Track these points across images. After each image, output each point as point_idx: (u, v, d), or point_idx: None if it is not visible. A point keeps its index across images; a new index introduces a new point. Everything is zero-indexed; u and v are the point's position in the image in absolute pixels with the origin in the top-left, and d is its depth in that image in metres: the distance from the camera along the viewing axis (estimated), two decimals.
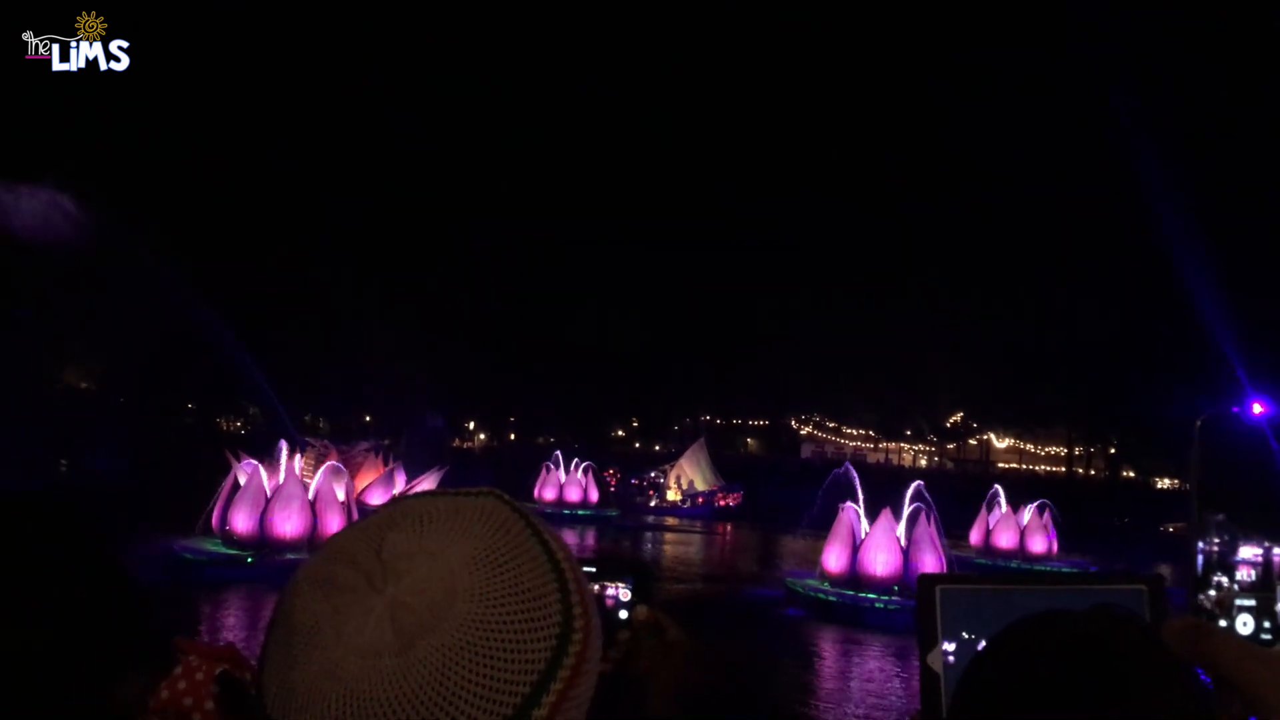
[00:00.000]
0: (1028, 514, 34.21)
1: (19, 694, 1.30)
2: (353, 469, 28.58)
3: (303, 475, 25.69)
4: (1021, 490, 36.32)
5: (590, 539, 35.68)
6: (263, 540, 23.62)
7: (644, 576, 1.66)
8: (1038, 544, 33.55)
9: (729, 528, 42.23)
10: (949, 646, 1.23)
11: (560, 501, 41.64)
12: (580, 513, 41.10)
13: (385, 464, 31.15)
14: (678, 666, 1.54)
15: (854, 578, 23.27)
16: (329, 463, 26.71)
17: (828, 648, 20.44)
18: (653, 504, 47.12)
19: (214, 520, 24.56)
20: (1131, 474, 78.86)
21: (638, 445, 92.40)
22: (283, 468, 25.35)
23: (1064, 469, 79.66)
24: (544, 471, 43.03)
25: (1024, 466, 79.66)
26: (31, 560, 1.36)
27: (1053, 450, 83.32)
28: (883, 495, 25.27)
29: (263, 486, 24.64)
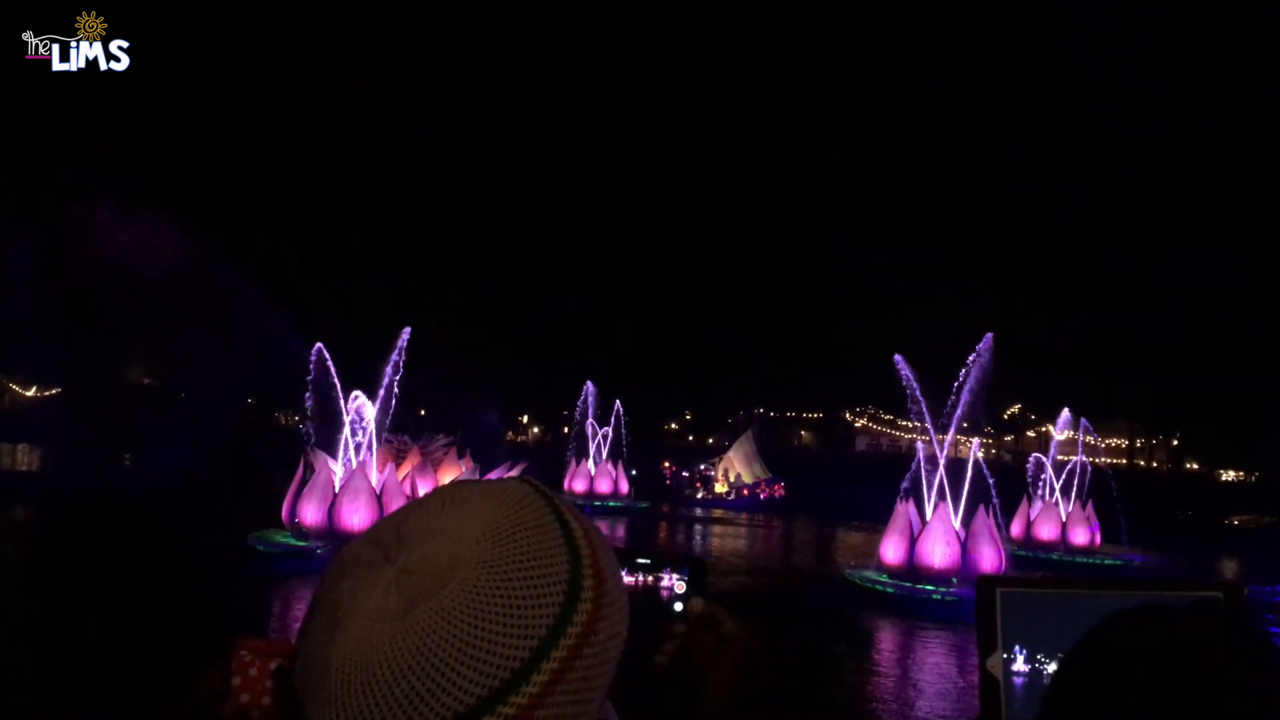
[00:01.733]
0: (1070, 505, 33.62)
1: (105, 687, 1.37)
2: (433, 464, 28.99)
3: (381, 469, 26.12)
4: (1081, 482, 35.65)
5: (620, 531, 35.58)
6: (331, 531, 24.00)
7: (699, 568, 1.64)
8: (1080, 536, 32.93)
9: (772, 520, 41.89)
10: (1010, 651, 1.21)
11: (591, 493, 41.67)
12: (611, 504, 40.96)
13: (460, 458, 31.49)
14: (734, 659, 1.52)
15: (912, 569, 23.17)
16: (415, 460, 27.27)
17: (885, 640, 20.31)
18: (699, 496, 47.14)
19: (284, 513, 25.02)
20: (1195, 466, 77.29)
21: (691, 438, 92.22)
22: (339, 461, 25.74)
23: (1125, 461, 78.23)
24: (573, 463, 43.24)
25: (1084, 458, 78.29)
26: (113, 559, 1.43)
27: (1114, 442, 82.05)
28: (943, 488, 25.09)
29: (331, 480, 25.07)
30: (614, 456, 44.58)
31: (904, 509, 24.26)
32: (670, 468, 50.50)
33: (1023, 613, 1.23)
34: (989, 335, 27.99)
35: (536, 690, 0.89)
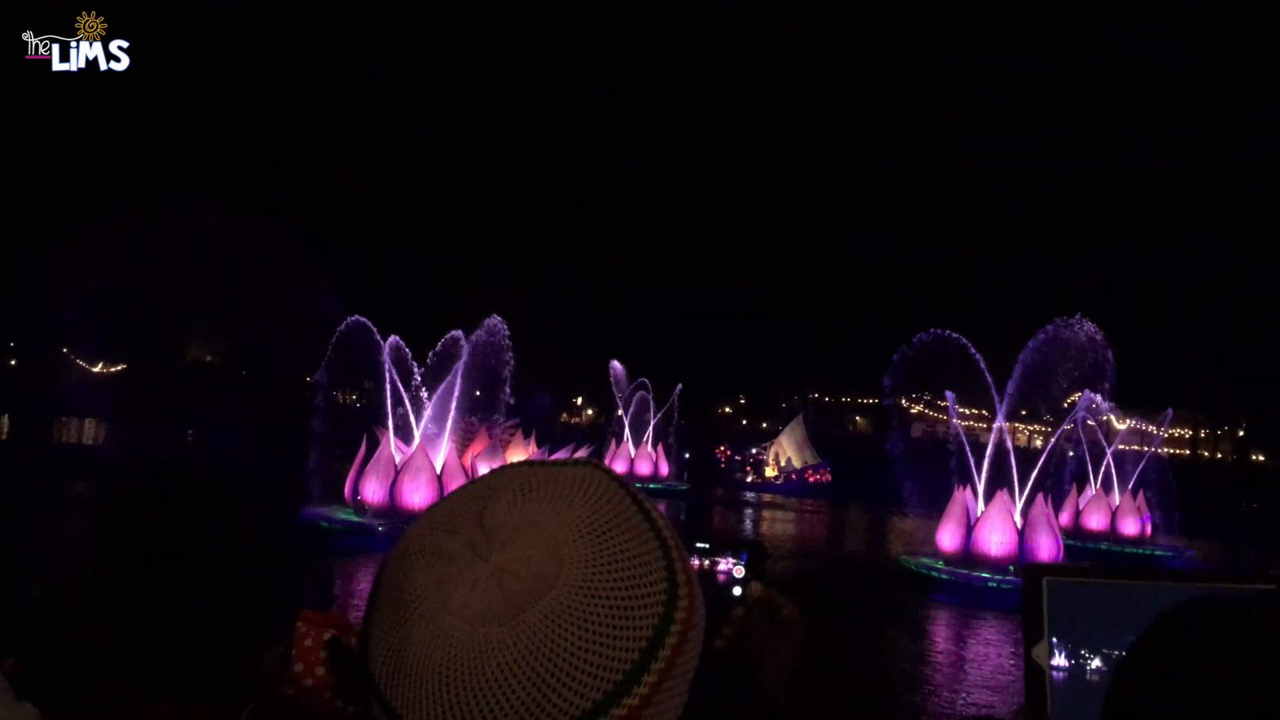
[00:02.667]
0: (1119, 495, 33.05)
1: (175, 656, 1.33)
2: (500, 445, 29.31)
3: (453, 451, 26.49)
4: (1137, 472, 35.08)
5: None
6: (393, 509, 24.35)
7: (758, 553, 1.64)
8: (1129, 526, 32.38)
9: (818, 505, 41.78)
10: (1056, 640, 1.19)
11: (630, 475, 41.20)
12: (651, 486, 40.57)
13: (527, 440, 31.82)
14: (792, 644, 1.52)
15: (968, 556, 23.02)
16: (485, 442, 27.60)
17: (939, 627, 20.21)
18: (749, 480, 47.14)
19: (347, 490, 25.48)
20: (1261, 458, 75.81)
21: (745, 422, 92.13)
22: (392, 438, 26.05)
23: (1189, 451, 76.92)
24: (612, 444, 43.29)
25: (1146, 448, 77.26)
26: (186, 530, 1.38)
27: (1177, 432, 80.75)
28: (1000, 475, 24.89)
29: (392, 458, 25.38)
30: (659, 439, 44.64)
31: (961, 495, 24.10)
32: (726, 452, 50.61)
33: (1070, 602, 1.20)
34: (1050, 326, 27.59)
35: (646, 690, 0.88)
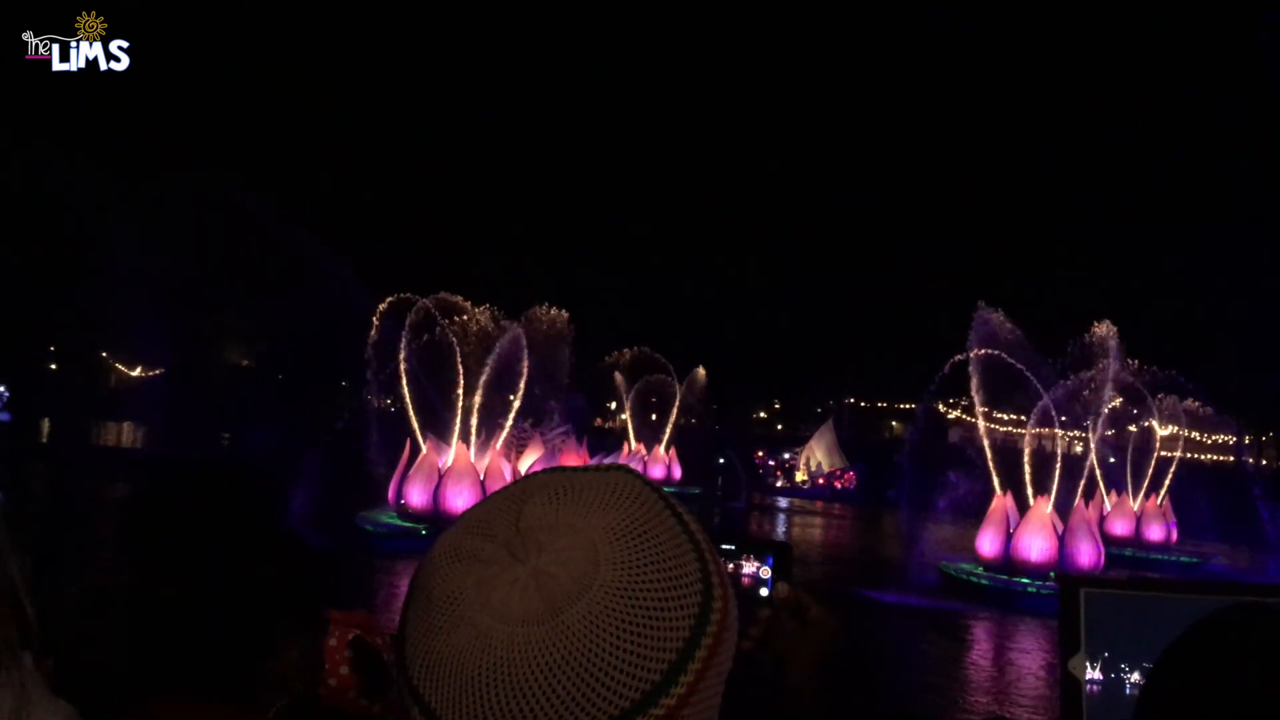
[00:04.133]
0: (1142, 500, 32.61)
1: (195, 655, 1.35)
2: (553, 451, 29.71)
3: (504, 457, 26.79)
4: (1186, 478, 34.67)
5: None
6: (436, 514, 24.60)
7: (784, 554, 1.67)
8: (1155, 532, 31.97)
9: (849, 510, 41.65)
10: (1092, 652, 1.16)
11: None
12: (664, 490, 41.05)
13: (579, 446, 32.09)
14: (818, 646, 1.54)
15: (1008, 562, 22.97)
16: (539, 448, 27.89)
17: (977, 633, 20.12)
18: (779, 484, 47.13)
19: (390, 494, 25.80)
20: None
21: (780, 427, 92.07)
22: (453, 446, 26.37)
23: (1233, 458, 76.14)
24: (624, 448, 43.25)
25: (1189, 455, 76.70)
26: (202, 530, 1.40)
27: (1221, 438, 79.80)
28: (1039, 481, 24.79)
29: (436, 463, 25.67)
30: (675, 443, 44.85)
31: (1002, 501, 24.05)
32: (762, 456, 50.87)
33: (1106, 614, 1.19)
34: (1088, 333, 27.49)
35: (684, 690, 0.89)
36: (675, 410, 46.63)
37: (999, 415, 28.50)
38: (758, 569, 1.65)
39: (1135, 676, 1.14)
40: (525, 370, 28.91)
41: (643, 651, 0.88)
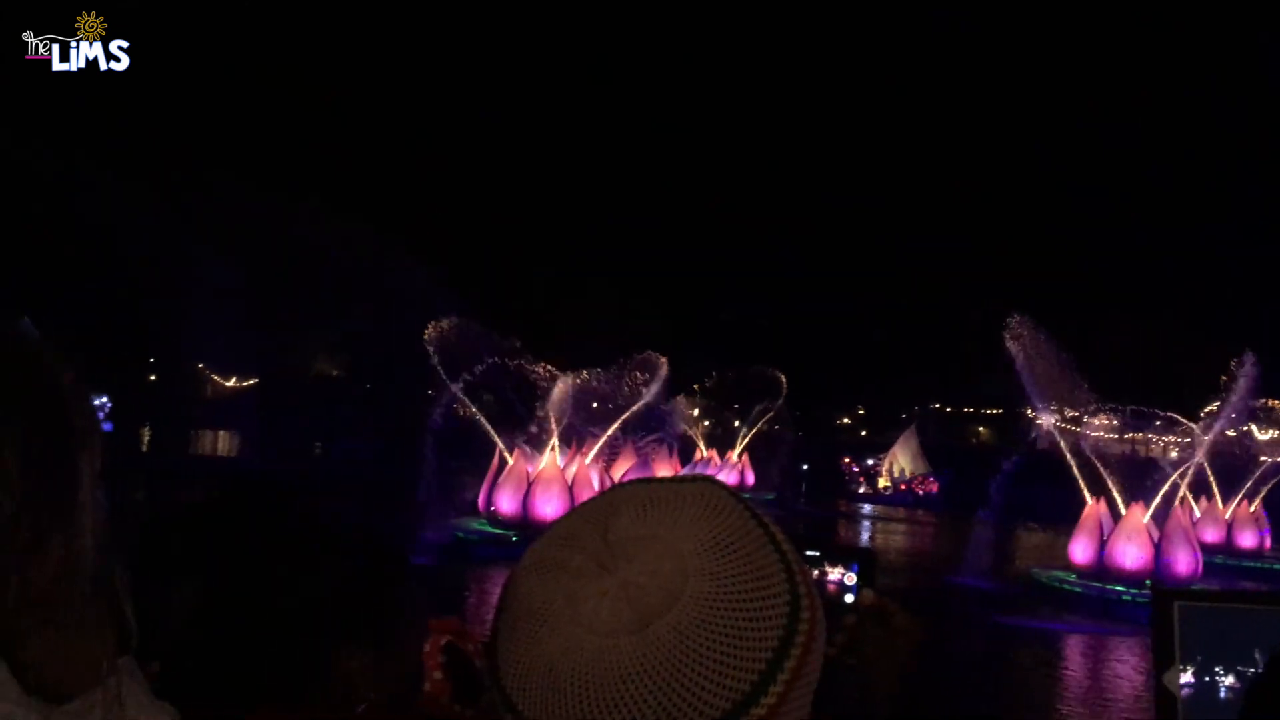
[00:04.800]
0: (1234, 507, 31.32)
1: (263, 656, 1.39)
2: (644, 459, 29.97)
3: (571, 461, 27.07)
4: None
5: None
6: (525, 521, 24.93)
7: (869, 561, 1.67)
8: (1247, 539, 30.74)
9: (926, 516, 40.92)
10: (1188, 665, 1.14)
11: None
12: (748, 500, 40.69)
13: (670, 454, 32.24)
14: (903, 652, 1.53)
15: (1102, 570, 22.52)
16: (631, 458, 28.27)
17: (1070, 641, 19.66)
18: (861, 491, 46.64)
19: (480, 501, 26.37)
20: None
21: (864, 433, 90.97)
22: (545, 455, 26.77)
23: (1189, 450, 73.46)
24: (696, 455, 43.12)
25: (1144, 447, 74.34)
26: (305, 541, 1.43)
27: (1181, 429, 76.68)
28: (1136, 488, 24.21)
29: (525, 471, 26.08)
30: (750, 450, 44.66)
31: (1095, 508, 23.61)
32: (848, 463, 50.47)
33: (1202, 627, 1.16)
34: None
35: (774, 700, 0.89)
36: (754, 416, 46.50)
37: (1090, 421, 27.82)
38: (843, 576, 1.66)
39: (1231, 688, 1.12)
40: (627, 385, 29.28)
41: (732, 662, 0.88)
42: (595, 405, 29.98)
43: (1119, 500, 24.00)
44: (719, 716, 0.87)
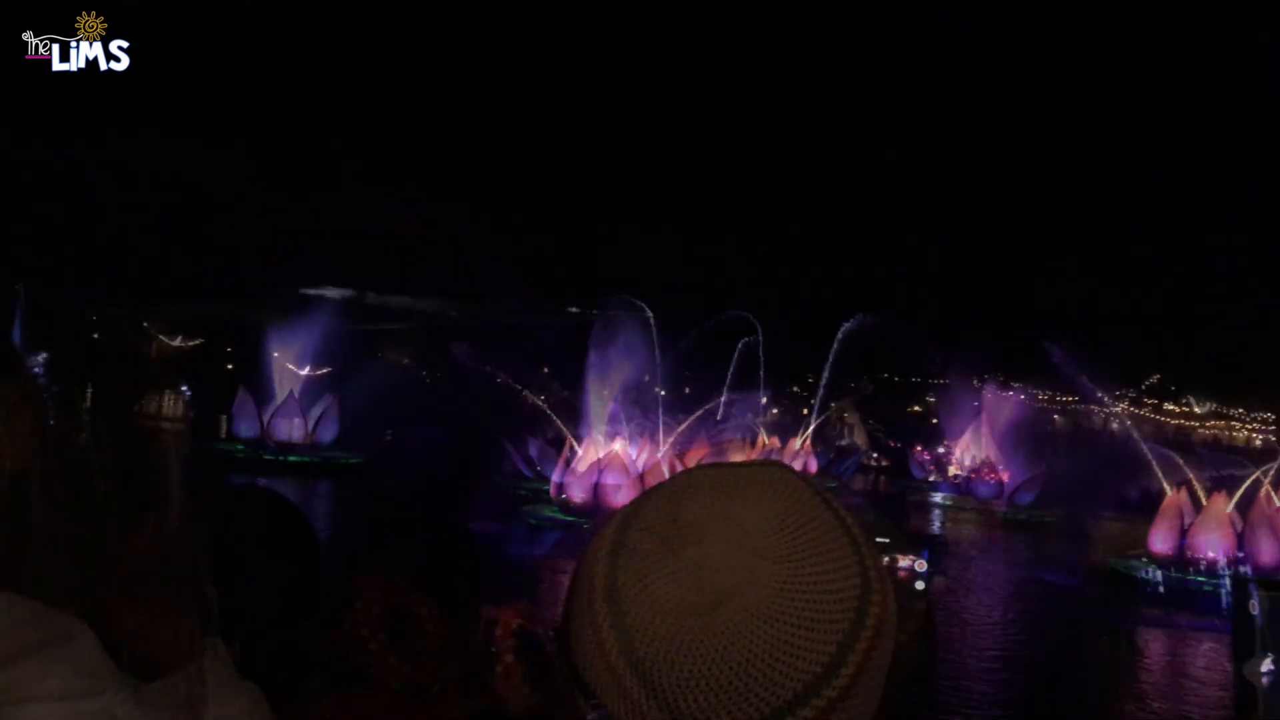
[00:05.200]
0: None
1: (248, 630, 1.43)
2: (719, 450, 29.88)
3: (642, 450, 27.37)
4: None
5: None
6: (597, 508, 25.37)
7: (939, 548, 1.64)
8: None
9: (998, 504, 40.27)
10: (1270, 656, 1.10)
11: None
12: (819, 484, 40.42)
13: (753, 446, 32.41)
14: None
15: (1183, 559, 22.17)
16: (705, 448, 28.50)
17: (1149, 631, 19.34)
18: (931, 479, 46.27)
19: (552, 490, 26.89)
20: None
21: (935, 421, 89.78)
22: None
23: (1276, 438, 71.45)
24: (761, 440, 42.82)
25: (1226, 434, 72.61)
26: (248, 535, 1.52)
27: (1263, 416, 74.62)
28: None
29: (596, 459, 26.68)
30: (817, 436, 44.64)
31: (1176, 497, 23.26)
32: (920, 450, 50.14)
33: None
34: None
35: (844, 682, 0.89)
36: (818, 404, 46.37)
37: (1170, 408, 27.37)
38: (914, 562, 1.67)
39: None
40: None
41: (803, 646, 0.88)
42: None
43: (1200, 490, 23.62)
44: (790, 698, 0.87)
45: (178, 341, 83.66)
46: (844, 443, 46.53)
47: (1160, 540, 22.76)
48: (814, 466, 42.78)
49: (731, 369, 45.91)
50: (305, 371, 34.02)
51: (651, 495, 1.01)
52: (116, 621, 1.05)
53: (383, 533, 19.97)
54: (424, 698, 1.99)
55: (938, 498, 42.46)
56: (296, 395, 31.77)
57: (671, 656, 0.87)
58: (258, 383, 33.01)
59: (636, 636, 0.89)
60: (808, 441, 44.40)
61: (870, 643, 0.91)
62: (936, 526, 34.21)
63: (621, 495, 24.85)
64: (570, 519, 25.40)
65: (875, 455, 47.62)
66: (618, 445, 27.20)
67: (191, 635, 1.18)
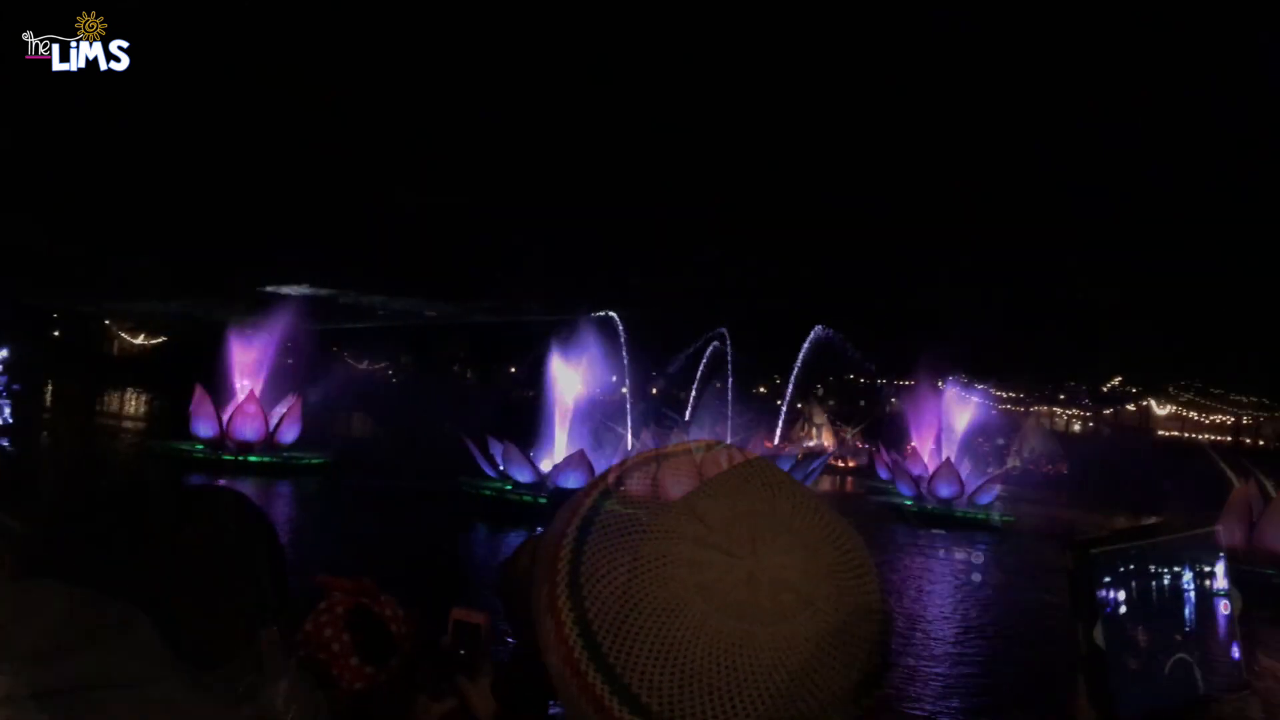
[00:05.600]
0: None
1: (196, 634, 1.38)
2: (740, 441, 30.22)
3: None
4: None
5: None
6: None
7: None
8: None
9: (1056, 496, 40.45)
10: (1110, 615, 1.10)
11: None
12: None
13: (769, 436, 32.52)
14: None
15: (1250, 552, 21.92)
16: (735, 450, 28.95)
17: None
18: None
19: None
20: None
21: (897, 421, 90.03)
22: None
23: (1230, 438, 73.00)
24: (805, 429, 43.05)
25: (1186, 434, 74.10)
26: (207, 537, 1.44)
27: (1218, 419, 76.35)
28: None
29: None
30: (871, 437, 45.35)
31: (1244, 490, 23.04)
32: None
33: (1120, 571, 1.12)
34: None
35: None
36: (786, 405, 46.52)
37: (1236, 398, 27.71)
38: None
39: (1148, 629, 1.14)
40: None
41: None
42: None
43: (1268, 483, 23.64)
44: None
45: (140, 339, 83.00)
46: (811, 444, 46.40)
47: (1226, 534, 22.81)
48: (785, 468, 42.66)
49: (700, 371, 45.88)
50: (266, 371, 33.53)
51: (711, 489, 0.96)
52: (174, 612, 1.09)
53: (345, 533, 19.75)
54: (388, 700, 1.96)
55: (897, 499, 42.54)
56: (258, 394, 31.19)
57: (730, 661, 0.86)
58: (221, 382, 32.50)
59: (703, 646, 0.87)
60: (782, 443, 44.28)
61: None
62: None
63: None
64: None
65: (843, 457, 47.71)
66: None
67: (249, 625, 1.25)
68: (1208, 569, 1.13)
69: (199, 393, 29.40)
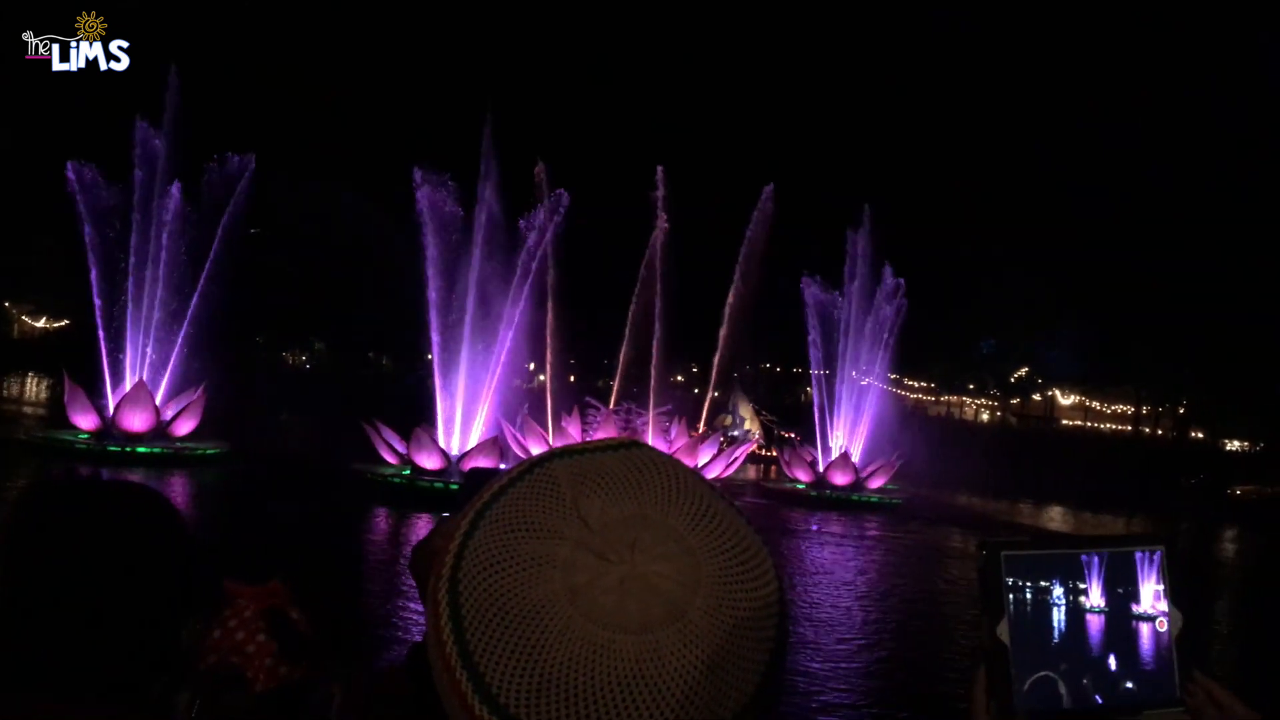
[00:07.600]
0: None
1: (106, 638, 1.40)
2: (662, 431, 30.76)
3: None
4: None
5: None
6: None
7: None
8: None
9: None
10: (1014, 615, 1.15)
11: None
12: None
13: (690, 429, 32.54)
14: None
15: None
16: (613, 429, 29.23)
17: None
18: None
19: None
20: (1200, 435, 73.61)
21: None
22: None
23: (1130, 428, 75.58)
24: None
25: (1089, 424, 76.56)
26: (117, 534, 1.45)
27: (1119, 409, 78.90)
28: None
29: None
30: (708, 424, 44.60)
31: None
32: (797, 438, 51.55)
33: (1025, 574, 1.20)
34: None
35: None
36: (711, 392, 46.69)
37: (909, 382, 28.50)
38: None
39: (1050, 629, 1.16)
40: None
41: (758, 636, 0.87)
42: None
43: None
44: (752, 693, 0.86)
45: (42, 322, 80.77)
46: (737, 432, 46.48)
47: None
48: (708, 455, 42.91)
49: (622, 353, 45.74)
50: (150, 357, 32.18)
51: (527, 494, 0.92)
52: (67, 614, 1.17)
53: (244, 529, 19.34)
54: (300, 699, 1.97)
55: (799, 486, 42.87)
56: (146, 380, 29.72)
57: (642, 676, 0.82)
58: (112, 367, 31.25)
59: (593, 659, 0.82)
60: (706, 430, 43.84)
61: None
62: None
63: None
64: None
65: (767, 445, 48.02)
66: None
67: (155, 627, 1.30)
68: (1130, 588, 1.16)
69: (69, 385, 27.79)
